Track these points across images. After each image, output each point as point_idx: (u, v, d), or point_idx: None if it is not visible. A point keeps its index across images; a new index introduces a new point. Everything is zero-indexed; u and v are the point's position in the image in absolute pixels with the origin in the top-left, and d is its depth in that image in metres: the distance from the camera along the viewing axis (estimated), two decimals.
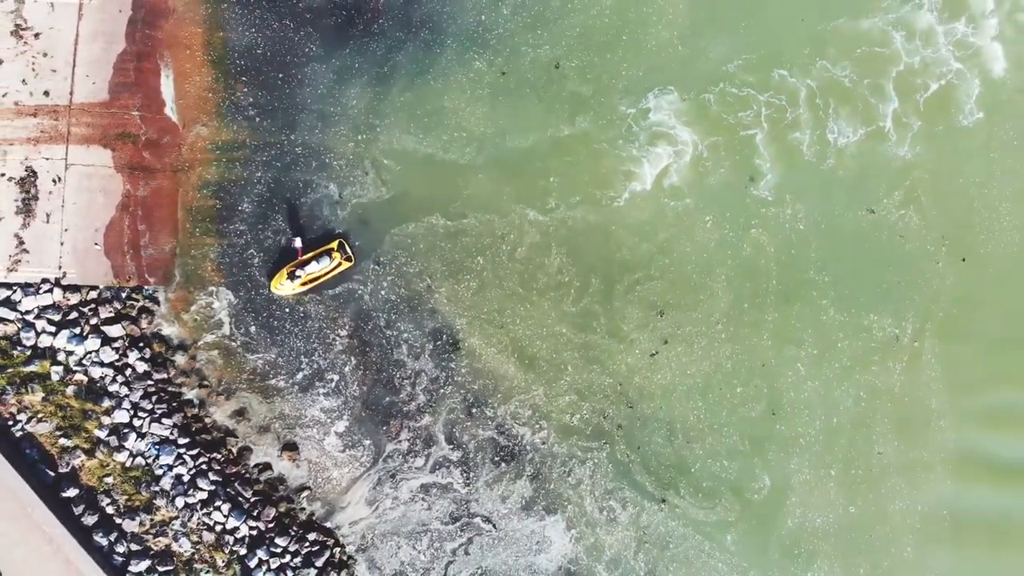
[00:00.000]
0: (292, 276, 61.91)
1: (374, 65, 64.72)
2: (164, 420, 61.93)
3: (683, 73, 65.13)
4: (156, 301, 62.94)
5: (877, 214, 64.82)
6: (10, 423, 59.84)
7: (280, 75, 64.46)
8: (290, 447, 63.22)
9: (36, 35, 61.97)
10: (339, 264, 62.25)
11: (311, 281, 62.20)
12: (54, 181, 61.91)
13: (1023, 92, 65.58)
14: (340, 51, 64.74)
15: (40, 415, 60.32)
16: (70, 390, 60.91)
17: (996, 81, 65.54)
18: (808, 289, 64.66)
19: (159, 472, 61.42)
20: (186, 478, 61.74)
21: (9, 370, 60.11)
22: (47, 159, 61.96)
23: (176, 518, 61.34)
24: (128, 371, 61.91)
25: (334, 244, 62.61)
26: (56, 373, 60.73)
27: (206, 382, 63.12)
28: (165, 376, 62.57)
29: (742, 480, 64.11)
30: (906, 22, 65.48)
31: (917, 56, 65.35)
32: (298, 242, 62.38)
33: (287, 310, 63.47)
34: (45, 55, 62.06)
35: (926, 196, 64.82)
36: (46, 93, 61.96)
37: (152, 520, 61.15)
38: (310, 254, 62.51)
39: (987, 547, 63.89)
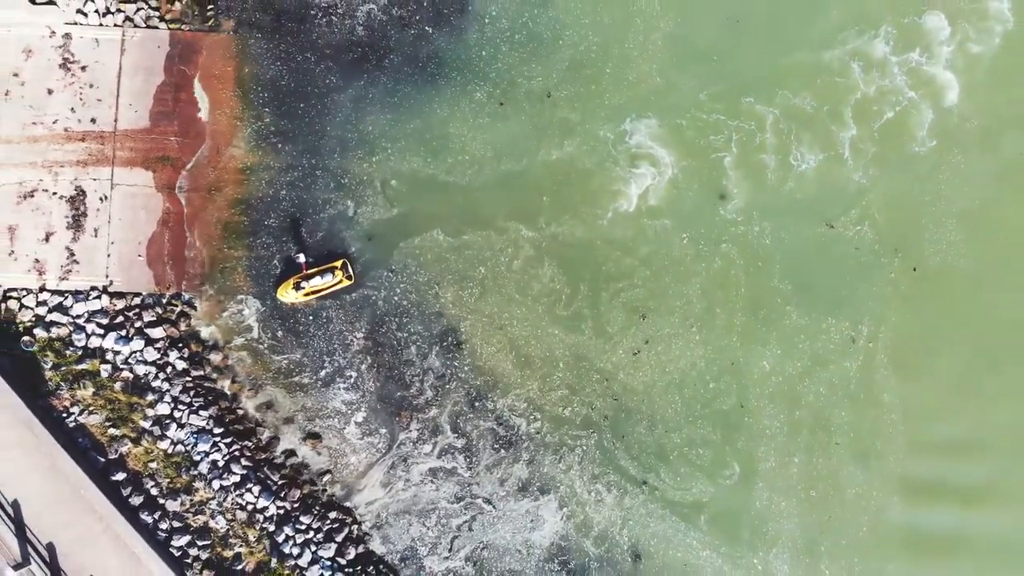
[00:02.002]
0: (297, 286, 62.99)
1: (386, 95, 65.31)
2: (201, 412, 63.13)
3: (661, 101, 65.70)
4: (193, 306, 63.94)
5: (835, 229, 65.44)
6: (64, 415, 61.49)
7: (302, 104, 65.13)
8: (313, 436, 64.27)
9: (83, 68, 63.64)
10: (340, 281, 63.24)
11: (313, 293, 63.23)
12: (101, 199, 63.29)
13: (969, 120, 65.66)
14: (356, 83, 65.29)
15: (91, 408, 61.86)
16: (117, 385, 62.34)
17: (946, 109, 65.88)
18: (773, 296, 65.18)
19: (197, 458, 62.70)
20: (221, 463, 62.90)
21: (63, 368, 61.72)
22: (95, 179, 63.39)
23: (213, 499, 62.45)
24: (169, 369, 63.12)
25: (338, 263, 63.51)
26: (105, 371, 62.25)
27: (238, 378, 64.11)
28: (201, 373, 63.62)
29: (715, 466, 64.88)
30: (863, 53, 65.91)
31: (874, 85, 65.82)
32: (301, 258, 63.33)
33: (310, 316, 64.26)
34: (91, 86, 63.67)
35: (880, 214, 65.32)
36: (93, 120, 63.58)
37: (191, 500, 62.26)
38: (315, 269, 63.51)
39: (935, 528, 64.49)
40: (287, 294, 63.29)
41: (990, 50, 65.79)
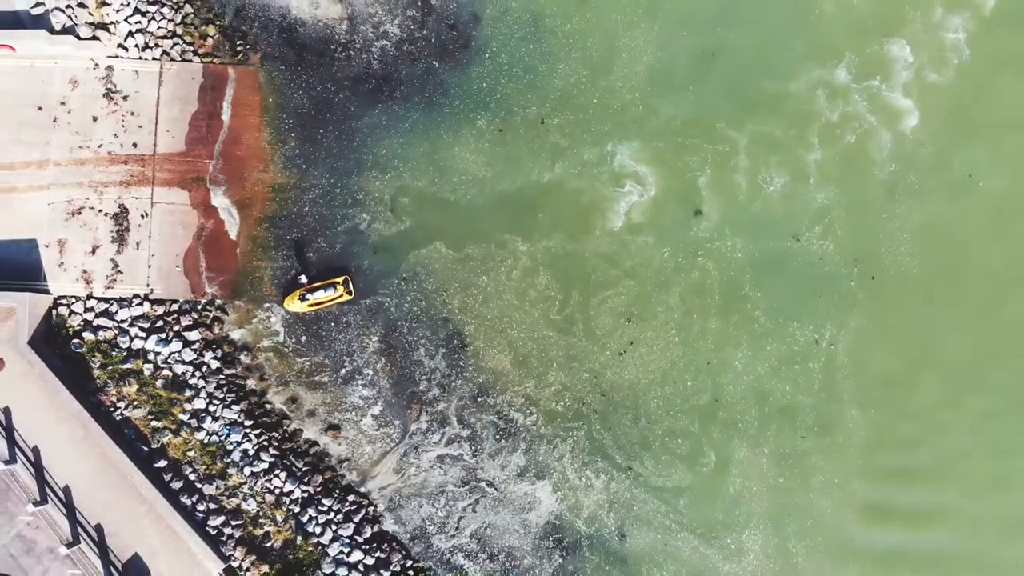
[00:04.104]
0: (303, 298, 64.13)
1: (398, 122, 66.69)
2: (233, 406, 64.53)
3: (642, 127, 67.05)
4: (225, 312, 65.25)
5: (801, 243, 66.31)
6: (112, 409, 63.25)
7: (322, 130, 66.54)
8: (333, 427, 65.50)
9: (124, 97, 65.18)
10: (341, 295, 64.31)
11: (316, 304, 64.36)
12: (142, 216, 64.75)
13: (924, 145, 66.67)
14: (371, 110, 66.69)
15: (135, 403, 63.54)
16: (159, 383, 63.91)
17: (903, 133, 66.83)
18: (743, 303, 66.46)
19: (230, 447, 64.11)
20: (251, 452, 64.27)
21: (110, 367, 63.50)
22: (136, 198, 64.80)
23: (244, 483, 63.83)
24: (204, 368, 64.60)
25: (340, 279, 64.51)
26: (147, 369, 63.78)
27: (266, 376, 65.43)
28: (233, 371, 65.06)
29: (693, 455, 65.90)
30: (827, 81, 66.85)
31: (837, 111, 66.69)
32: (303, 278, 64.69)
33: (332, 322, 65.56)
34: (132, 114, 65.14)
35: (841, 229, 66.32)
36: (134, 145, 65.03)
37: (226, 485, 63.68)
38: (319, 283, 64.52)
39: (892, 508, 65.89)
40: (293, 304, 64.45)
41: (946, 80, 66.77)
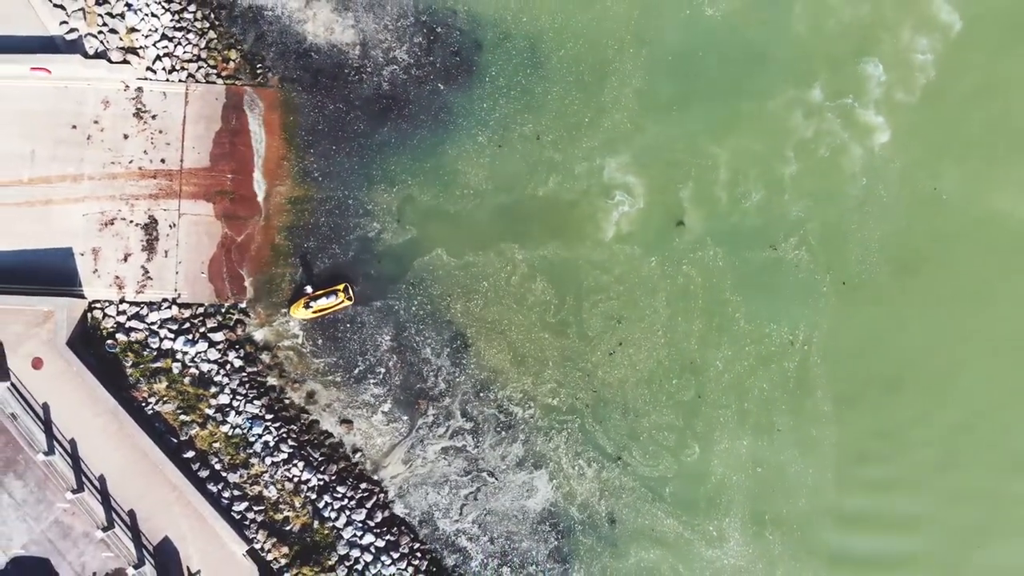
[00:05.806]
0: (307, 306, 64.94)
1: (405, 139, 67.70)
2: (255, 401, 65.63)
3: (630, 143, 68.05)
4: (248, 315, 66.38)
5: (777, 252, 67.60)
6: (143, 404, 64.42)
7: (335, 146, 67.61)
8: (347, 421, 66.67)
9: (153, 116, 66.14)
10: (343, 302, 65.05)
11: (320, 311, 65.21)
12: (170, 226, 65.90)
13: (892, 161, 67.89)
14: (381, 128, 67.81)
15: (165, 398, 64.67)
16: (186, 380, 64.94)
17: (873, 149, 67.95)
18: (724, 307, 67.72)
19: (252, 439, 65.20)
20: (272, 443, 65.40)
21: (141, 366, 64.63)
22: (165, 210, 65.90)
23: (265, 472, 64.96)
24: (228, 366, 65.72)
25: (341, 286, 65.31)
26: (176, 368, 64.83)
27: (285, 374, 66.55)
28: (255, 369, 66.15)
29: (677, 447, 67.23)
30: (802, 100, 68.03)
31: (811, 128, 67.80)
32: (309, 288, 65.77)
33: (347, 324, 66.76)
34: (160, 131, 66.10)
35: (815, 239, 67.56)
36: (162, 160, 66.00)
37: (248, 473, 64.86)
38: (321, 291, 65.28)
39: (865, 496, 67.45)
40: (298, 312, 65.34)
41: (914, 98, 67.98)
